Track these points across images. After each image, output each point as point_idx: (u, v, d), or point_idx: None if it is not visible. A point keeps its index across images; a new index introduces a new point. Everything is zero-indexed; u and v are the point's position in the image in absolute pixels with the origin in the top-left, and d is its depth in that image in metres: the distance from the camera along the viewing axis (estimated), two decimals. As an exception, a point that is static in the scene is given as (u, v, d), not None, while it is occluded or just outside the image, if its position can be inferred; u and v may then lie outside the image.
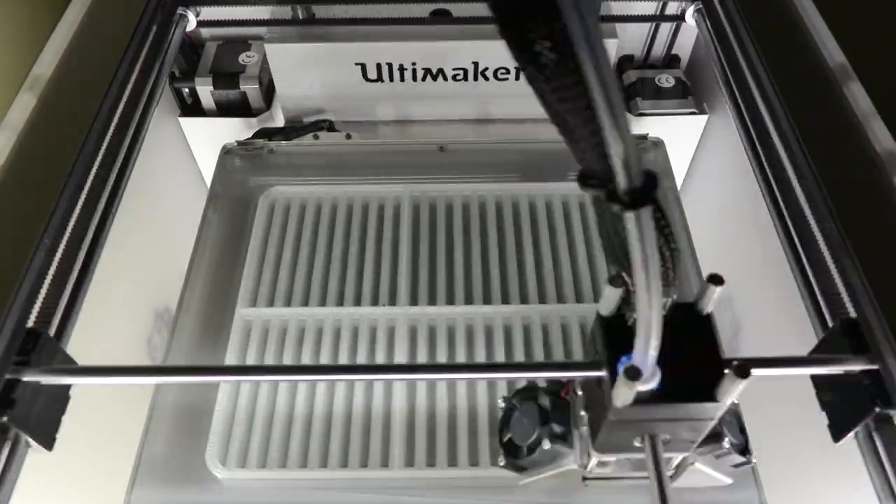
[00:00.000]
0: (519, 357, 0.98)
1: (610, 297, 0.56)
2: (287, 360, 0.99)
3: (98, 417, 1.06)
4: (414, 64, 1.31)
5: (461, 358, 0.99)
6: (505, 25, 0.33)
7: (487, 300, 1.04)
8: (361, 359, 0.99)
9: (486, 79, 1.34)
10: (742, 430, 0.71)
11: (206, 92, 1.36)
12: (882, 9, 1.03)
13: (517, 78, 1.33)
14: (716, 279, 0.56)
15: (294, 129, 1.35)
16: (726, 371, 0.53)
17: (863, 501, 0.78)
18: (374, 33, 1.30)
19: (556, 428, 0.70)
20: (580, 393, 0.66)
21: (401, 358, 0.97)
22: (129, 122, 1.04)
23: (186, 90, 1.38)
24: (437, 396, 0.95)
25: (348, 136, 1.36)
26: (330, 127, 1.37)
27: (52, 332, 0.77)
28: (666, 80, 1.40)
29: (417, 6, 1.29)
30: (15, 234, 0.81)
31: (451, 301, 1.04)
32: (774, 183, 0.96)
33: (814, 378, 0.77)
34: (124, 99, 1.02)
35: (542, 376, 0.75)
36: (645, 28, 1.42)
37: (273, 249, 1.11)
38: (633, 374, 0.50)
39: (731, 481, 0.72)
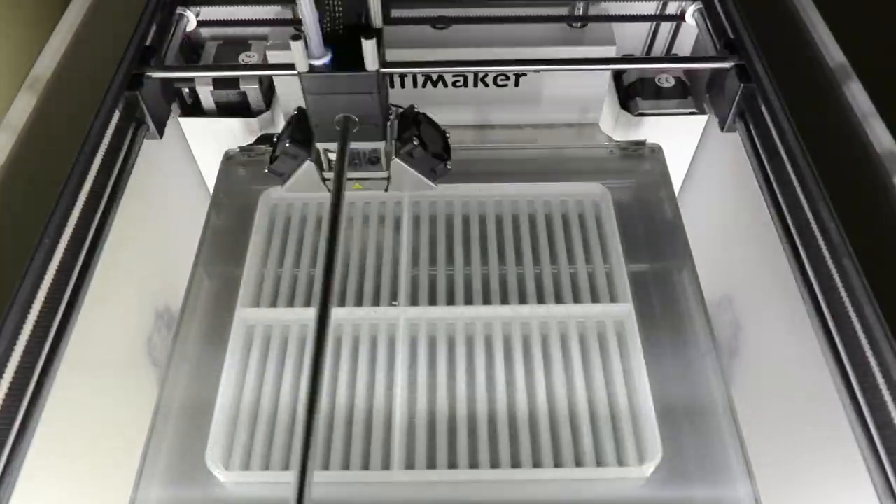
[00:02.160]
0: (518, 356, 0.98)
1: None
2: (288, 361, 0.99)
3: (101, 418, 1.06)
4: (397, 74, 1.32)
5: (461, 357, 0.99)
6: None
7: (487, 301, 1.04)
8: (362, 358, 0.99)
9: (486, 85, 1.34)
10: (446, 146, 0.96)
11: (206, 92, 1.36)
12: (882, 9, 1.03)
13: (517, 84, 1.34)
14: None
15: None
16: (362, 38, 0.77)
17: (861, 502, 0.78)
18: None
19: (297, 132, 0.92)
20: None
21: (401, 357, 0.97)
22: (128, 122, 1.04)
23: (186, 90, 1.38)
24: (438, 398, 0.95)
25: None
26: None
27: (51, 333, 0.77)
28: (666, 80, 1.40)
29: (418, 11, 1.29)
30: (15, 235, 0.81)
31: (451, 301, 1.04)
32: (774, 183, 0.97)
33: (708, 85, 1.19)
34: (124, 98, 1.02)
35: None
36: (645, 28, 1.42)
37: (273, 249, 1.11)
38: (296, 36, 0.76)
39: (434, 186, 0.96)
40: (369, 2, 0.79)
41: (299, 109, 0.93)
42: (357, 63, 0.80)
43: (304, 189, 0.95)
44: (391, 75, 1.34)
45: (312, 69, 0.80)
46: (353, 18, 0.82)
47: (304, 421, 0.64)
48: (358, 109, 0.85)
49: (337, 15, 0.81)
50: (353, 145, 0.88)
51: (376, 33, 0.79)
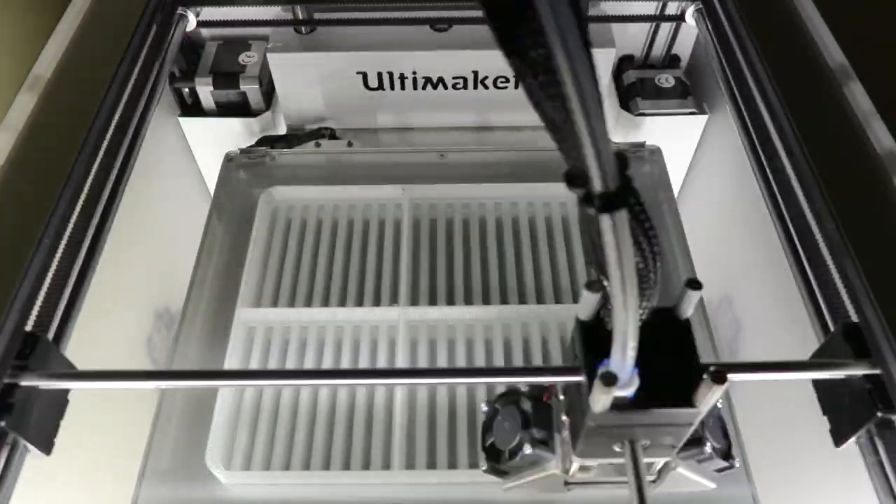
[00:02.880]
0: (517, 356, 0.98)
1: (588, 302, 0.55)
2: (290, 360, 0.99)
3: (103, 418, 1.06)
4: (414, 73, 1.32)
5: (461, 357, 0.99)
6: (494, 18, 0.33)
7: (486, 301, 1.04)
8: (363, 358, 0.99)
9: (486, 87, 1.35)
10: (725, 435, 0.70)
11: (206, 92, 1.36)
12: (882, 9, 1.03)
13: (516, 87, 1.34)
14: (694, 284, 0.56)
15: (296, 136, 1.36)
16: (704, 377, 0.52)
17: (861, 502, 0.78)
18: (375, 43, 1.31)
19: (538, 433, 0.69)
20: (562, 397, 0.65)
21: (402, 357, 0.97)
22: (129, 122, 1.04)
23: (186, 90, 1.38)
24: (438, 399, 0.95)
25: (350, 144, 1.37)
26: (332, 135, 1.38)
27: (51, 335, 0.77)
28: (666, 80, 1.40)
29: (418, 14, 1.30)
30: (14, 235, 0.81)
31: (451, 301, 1.04)
32: (774, 183, 0.96)
33: (815, 383, 0.76)
34: (124, 99, 1.02)
35: (520, 380, 0.74)
36: (645, 28, 1.42)
37: (274, 249, 1.11)
38: (609, 379, 0.49)
39: (715, 485, 0.72)
40: (688, 299, 0.57)
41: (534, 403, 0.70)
42: (676, 393, 0.54)
43: (531, 488, 0.73)
44: (391, 77, 1.34)
45: (613, 404, 0.53)
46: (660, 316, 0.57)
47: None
48: (652, 436, 0.59)
49: (645, 308, 0.54)
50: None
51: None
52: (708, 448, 0.67)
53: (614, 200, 0.38)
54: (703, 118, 1.37)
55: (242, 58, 1.38)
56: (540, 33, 0.31)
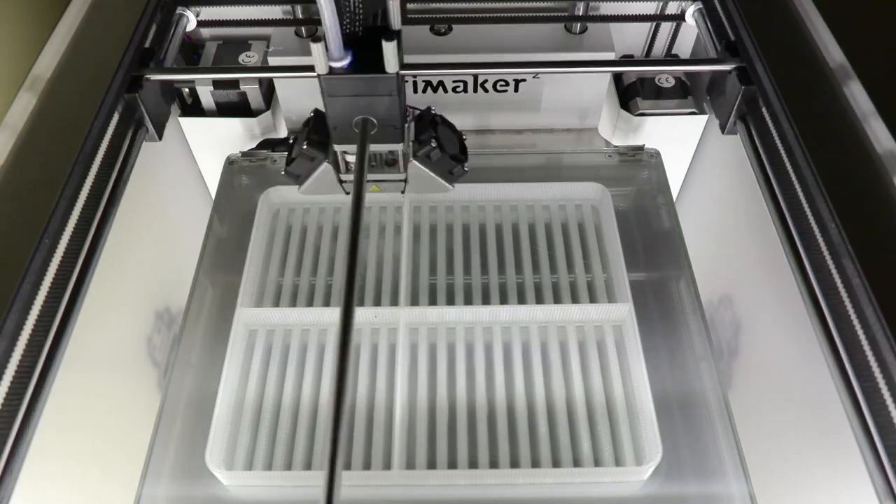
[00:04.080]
0: (517, 356, 0.99)
1: None
2: (290, 360, 0.99)
3: (105, 419, 1.06)
4: (415, 76, 1.32)
5: (461, 354, 0.99)
6: None
7: (486, 300, 1.04)
8: (364, 359, 0.99)
9: (486, 91, 1.35)
10: (462, 148, 0.96)
11: (206, 92, 1.36)
12: (882, 9, 1.03)
13: (516, 90, 1.34)
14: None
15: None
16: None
17: (861, 502, 0.78)
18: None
19: (314, 134, 0.91)
20: None
21: (402, 358, 0.97)
22: (129, 122, 1.04)
23: (186, 90, 1.38)
24: (438, 399, 0.95)
25: None
26: None
27: (51, 333, 0.77)
28: (666, 80, 1.40)
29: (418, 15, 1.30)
30: (14, 235, 0.81)
31: (450, 302, 1.04)
32: (774, 183, 0.97)
33: (708, 88, 1.17)
34: (124, 98, 1.02)
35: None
36: (645, 28, 1.42)
37: (274, 249, 1.12)
38: (316, 39, 0.75)
39: (452, 188, 0.96)
40: (389, 3, 0.78)
41: (316, 111, 0.93)
42: (377, 65, 0.79)
43: (320, 191, 0.94)
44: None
45: (332, 71, 0.80)
46: (372, 20, 0.82)
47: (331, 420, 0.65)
48: (377, 111, 0.84)
49: (357, 17, 0.81)
50: (372, 147, 0.88)
51: (396, 35, 0.79)
52: (433, 143, 0.91)
53: None
54: (703, 118, 1.37)
55: (242, 58, 1.37)
56: None
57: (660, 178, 1.21)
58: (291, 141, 0.97)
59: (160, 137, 1.11)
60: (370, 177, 0.94)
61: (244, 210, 1.16)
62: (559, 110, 1.40)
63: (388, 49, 0.77)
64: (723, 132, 1.11)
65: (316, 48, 0.76)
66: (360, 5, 0.80)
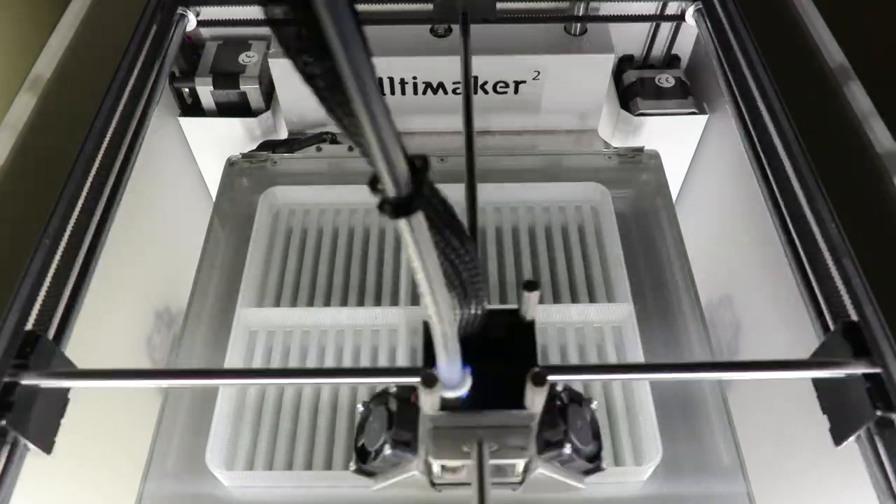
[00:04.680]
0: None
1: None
2: (291, 360, 0.99)
3: (107, 419, 1.06)
4: (415, 78, 1.32)
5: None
6: (278, 26, 0.32)
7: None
8: (364, 358, 0.99)
9: (486, 92, 1.35)
10: (596, 436, 0.71)
11: (206, 92, 1.36)
12: (882, 9, 1.03)
13: (516, 92, 1.34)
14: (530, 286, 0.57)
15: (297, 141, 1.36)
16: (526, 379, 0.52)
17: (861, 502, 0.78)
18: (375, 49, 1.30)
19: (399, 434, 0.68)
20: None
21: (402, 357, 0.97)
22: (129, 122, 1.04)
23: (186, 90, 1.38)
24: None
25: (350, 149, 1.37)
26: (332, 139, 1.38)
27: (51, 334, 0.77)
28: (666, 80, 1.40)
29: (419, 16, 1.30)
30: (14, 235, 0.81)
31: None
32: (774, 183, 0.96)
33: (815, 381, 0.76)
34: (124, 99, 1.02)
35: (361, 381, 0.75)
36: (645, 28, 1.42)
37: (274, 249, 1.12)
38: (429, 381, 0.50)
39: (584, 486, 0.72)
40: (527, 301, 0.57)
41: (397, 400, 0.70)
42: (509, 395, 0.55)
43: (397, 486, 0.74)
44: (391, 83, 1.34)
45: (445, 405, 0.55)
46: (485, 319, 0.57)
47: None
48: (495, 437, 0.60)
49: (477, 312, 0.56)
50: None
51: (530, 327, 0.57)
52: (567, 450, 0.67)
53: (405, 205, 0.38)
54: (703, 118, 1.37)
55: (242, 58, 1.38)
56: (323, 46, 0.30)
57: (659, 179, 1.21)
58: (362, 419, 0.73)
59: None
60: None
61: (245, 211, 1.16)
62: (559, 112, 1.40)
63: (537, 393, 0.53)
64: (836, 444, 0.73)
65: (426, 395, 0.53)
66: (480, 290, 0.54)
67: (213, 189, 1.33)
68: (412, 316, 1.01)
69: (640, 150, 1.24)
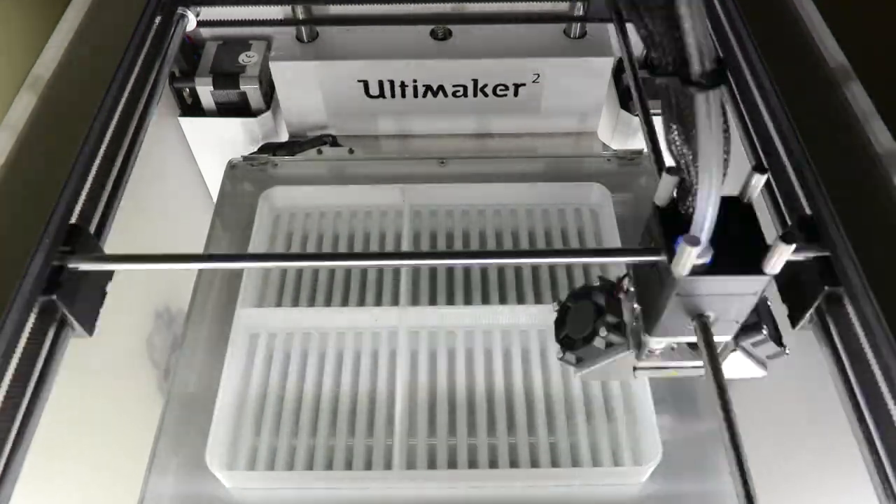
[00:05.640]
0: (516, 357, 0.98)
1: (665, 188, 0.62)
2: (291, 360, 0.99)
3: (109, 419, 1.06)
4: (415, 81, 1.33)
5: (461, 355, 0.99)
6: None
7: (486, 300, 1.04)
8: (364, 360, 0.99)
9: (486, 95, 1.35)
10: (775, 323, 0.76)
11: (206, 92, 1.36)
12: (882, 9, 1.03)
13: (515, 94, 1.34)
14: (760, 168, 0.65)
15: (298, 143, 1.36)
16: (775, 241, 0.59)
17: (861, 502, 0.78)
18: (376, 52, 1.32)
19: (611, 318, 0.74)
20: (632, 290, 0.71)
21: (402, 359, 0.97)
22: (129, 122, 1.03)
23: (186, 90, 1.38)
24: (438, 399, 0.95)
25: (351, 151, 1.38)
26: (333, 142, 1.39)
27: (51, 333, 0.77)
28: (666, 80, 1.40)
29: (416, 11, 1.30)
30: (15, 234, 0.81)
31: (450, 302, 1.04)
32: (774, 183, 0.96)
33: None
34: (124, 99, 1.02)
35: (600, 261, 0.86)
36: (645, 28, 1.42)
37: (275, 248, 1.12)
38: (693, 241, 0.56)
39: (765, 373, 0.77)
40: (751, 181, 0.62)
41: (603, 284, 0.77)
42: (746, 261, 0.60)
43: (602, 377, 0.79)
44: (391, 85, 1.35)
45: (693, 270, 0.59)
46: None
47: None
48: (722, 309, 0.65)
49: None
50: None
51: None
52: (764, 331, 0.73)
53: (716, 77, 0.44)
54: (703, 118, 1.36)
55: (242, 58, 1.38)
56: None
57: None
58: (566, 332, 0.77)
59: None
60: (669, 364, 0.75)
61: (245, 214, 1.16)
62: (558, 114, 1.40)
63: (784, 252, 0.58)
64: (792, 327, 0.84)
65: (687, 251, 0.57)
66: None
67: (213, 189, 1.33)
68: (412, 316, 1.01)
69: (639, 152, 1.24)
